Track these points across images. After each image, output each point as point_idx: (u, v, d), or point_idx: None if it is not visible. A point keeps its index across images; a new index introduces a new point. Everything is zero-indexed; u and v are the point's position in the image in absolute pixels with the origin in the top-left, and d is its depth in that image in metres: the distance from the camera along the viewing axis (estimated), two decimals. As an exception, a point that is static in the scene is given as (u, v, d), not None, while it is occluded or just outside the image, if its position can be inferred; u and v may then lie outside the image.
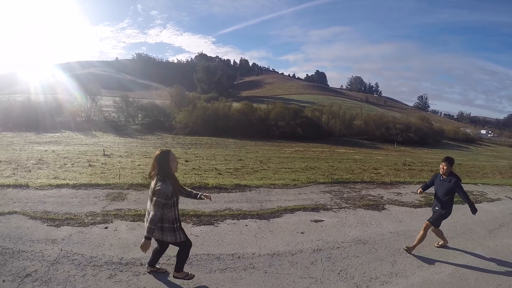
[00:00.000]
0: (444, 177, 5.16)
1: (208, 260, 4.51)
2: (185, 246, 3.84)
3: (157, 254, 4.07)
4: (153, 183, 3.59)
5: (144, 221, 4.03)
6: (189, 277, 3.99)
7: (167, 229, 3.64)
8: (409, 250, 5.15)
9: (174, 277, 3.97)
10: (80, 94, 52.71)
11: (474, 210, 4.87)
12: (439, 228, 5.36)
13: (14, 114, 41.10)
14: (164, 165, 3.62)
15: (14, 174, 10.17)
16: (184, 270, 3.99)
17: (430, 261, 4.92)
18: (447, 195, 5.07)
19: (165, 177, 3.57)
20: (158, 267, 4.15)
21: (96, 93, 54.47)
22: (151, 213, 3.44)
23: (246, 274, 4.17)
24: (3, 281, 3.68)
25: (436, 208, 5.25)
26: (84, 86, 58.02)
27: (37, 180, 8.51)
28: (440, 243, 5.55)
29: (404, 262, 4.83)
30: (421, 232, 5.20)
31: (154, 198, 3.45)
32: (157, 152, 3.72)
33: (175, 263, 3.97)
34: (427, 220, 5.27)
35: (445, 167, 5.13)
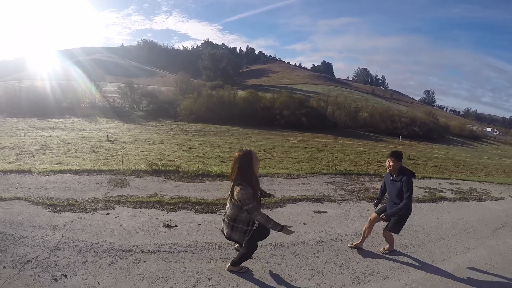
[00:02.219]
0: (394, 175, 4.50)
1: (210, 249, 4.48)
2: (250, 248, 3.79)
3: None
4: (233, 187, 3.44)
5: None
6: (243, 270, 4.01)
7: (238, 229, 3.57)
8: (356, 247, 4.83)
9: (229, 270, 3.99)
10: (85, 80, 52.69)
11: (393, 214, 4.39)
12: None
13: (18, 100, 41.10)
14: (246, 167, 3.41)
15: (17, 159, 10.15)
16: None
17: (432, 258, 4.85)
18: (400, 197, 4.37)
19: (245, 180, 3.39)
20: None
21: (101, 79, 54.47)
22: (259, 219, 3.39)
23: (247, 264, 4.12)
24: (4, 267, 3.67)
25: None
26: (89, 72, 58.13)
27: (40, 165, 8.51)
28: (386, 248, 4.91)
29: (406, 257, 4.78)
30: (366, 230, 4.76)
31: (244, 208, 3.35)
32: (238, 153, 3.48)
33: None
34: (387, 230, 4.65)
35: (391, 163, 4.45)
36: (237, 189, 3.35)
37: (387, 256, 4.76)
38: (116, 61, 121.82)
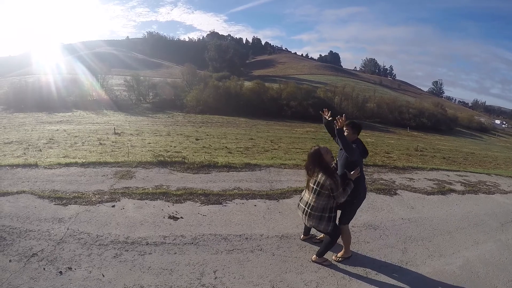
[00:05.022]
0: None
1: (215, 241, 4.45)
2: (334, 236, 3.93)
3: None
4: (316, 176, 3.76)
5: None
6: (327, 263, 4.09)
7: (326, 219, 3.80)
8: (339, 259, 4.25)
9: (313, 261, 4.10)
10: (91, 74, 52.75)
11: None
12: (348, 227, 4.25)
13: (25, 95, 41.15)
14: (320, 161, 3.77)
15: (24, 154, 10.20)
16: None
17: (441, 252, 4.76)
18: (345, 166, 3.96)
19: (327, 172, 3.72)
20: (312, 234, 4.67)
21: (107, 72, 54.43)
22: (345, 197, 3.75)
23: (253, 256, 4.10)
24: (10, 261, 3.69)
25: None
26: (95, 65, 58.03)
27: (47, 159, 8.53)
28: (339, 255, 4.26)
29: (415, 250, 4.70)
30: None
31: (334, 194, 3.69)
32: (311, 150, 3.89)
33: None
34: (343, 224, 4.18)
35: (345, 133, 3.99)
36: (323, 178, 3.67)
37: (395, 249, 4.68)
38: (122, 53, 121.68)
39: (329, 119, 4.30)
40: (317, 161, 3.75)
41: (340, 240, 4.13)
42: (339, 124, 3.68)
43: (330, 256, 4.25)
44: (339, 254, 4.26)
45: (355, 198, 4.05)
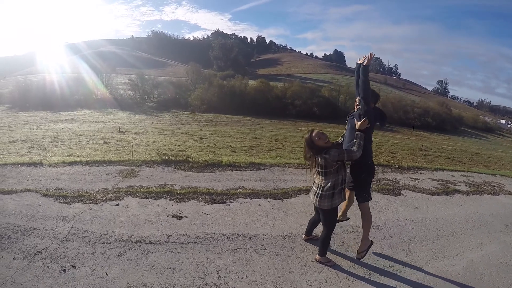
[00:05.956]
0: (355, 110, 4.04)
1: (219, 240, 4.44)
2: (329, 223, 4.01)
3: (313, 224, 4.49)
4: (316, 160, 3.80)
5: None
6: (330, 263, 4.09)
7: (337, 194, 3.82)
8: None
9: (317, 261, 4.11)
10: (95, 72, 52.96)
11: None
12: (368, 207, 4.14)
13: (30, 94, 41.46)
14: (312, 145, 3.78)
15: (29, 152, 10.25)
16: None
17: (445, 253, 4.71)
18: (353, 136, 3.87)
19: (319, 151, 3.75)
20: (314, 235, 4.60)
21: (111, 71, 54.68)
22: (359, 150, 3.71)
23: (257, 256, 4.09)
24: (14, 258, 3.71)
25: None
26: (100, 64, 58.31)
27: (52, 157, 8.57)
28: (359, 250, 4.13)
29: (419, 251, 4.65)
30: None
31: (346, 160, 3.73)
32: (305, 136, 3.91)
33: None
34: (361, 203, 4.11)
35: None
36: (329, 154, 3.66)
37: (399, 250, 4.65)
38: (127, 52, 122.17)
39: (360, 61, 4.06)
40: (311, 147, 3.79)
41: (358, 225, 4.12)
42: (367, 60, 3.76)
43: (333, 257, 4.24)
44: (359, 249, 4.11)
45: (362, 171, 4.03)
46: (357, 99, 4.03)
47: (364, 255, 4.10)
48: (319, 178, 3.86)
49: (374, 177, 7.67)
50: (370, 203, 4.15)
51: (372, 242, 4.12)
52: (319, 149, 3.72)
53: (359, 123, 3.77)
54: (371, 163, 4.12)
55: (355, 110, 4.08)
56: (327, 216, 3.93)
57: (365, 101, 3.80)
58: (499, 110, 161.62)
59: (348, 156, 3.67)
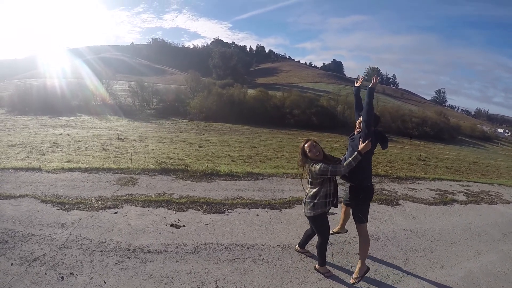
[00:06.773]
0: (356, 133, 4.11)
1: (217, 250, 4.45)
2: (324, 236, 4.05)
3: (308, 237, 4.43)
4: (306, 168, 3.93)
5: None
6: (329, 274, 4.10)
7: (319, 204, 3.85)
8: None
9: (316, 269, 4.15)
10: (95, 79, 53.11)
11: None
12: (366, 229, 4.13)
13: (30, 98, 41.66)
14: (305, 154, 3.92)
15: (28, 157, 10.24)
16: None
17: (443, 263, 4.73)
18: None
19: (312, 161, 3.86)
20: (307, 249, 4.59)
21: (111, 78, 54.89)
22: (346, 170, 3.74)
23: (255, 266, 4.09)
24: (11, 264, 3.70)
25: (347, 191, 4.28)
26: (99, 70, 58.57)
27: (50, 163, 8.56)
28: (355, 275, 3.95)
29: (416, 261, 4.68)
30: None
31: (329, 175, 3.76)
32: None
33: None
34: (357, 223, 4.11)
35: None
36: (314, 167, 3.76)
37: (397, 260, 4.66)
38: (126, 59, 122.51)
39: (357, 85, 4.55)
40: (303, 155, 3.91)
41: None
42: (373, 82, 3.85)
43: (330, 268, 4.25)
44: (355, 274, 3.95)
45: (359, 192, 4.05)
46: (357, 121, 4.12)
47: (359, 281, 3.93)
48: (307, 186, 4.00)
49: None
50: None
51: (368, 269, 4.03)
52: (310, 157, 3.85)
53: (363, 145, 3.77)
54: (370, 186, 4.11)
55: (356, 133, 4.13)
56: (313, 223, 4.01)
57: (366, 125, 3.82)
58: (497, 119, 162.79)
59: (332, 172, 3.70)
